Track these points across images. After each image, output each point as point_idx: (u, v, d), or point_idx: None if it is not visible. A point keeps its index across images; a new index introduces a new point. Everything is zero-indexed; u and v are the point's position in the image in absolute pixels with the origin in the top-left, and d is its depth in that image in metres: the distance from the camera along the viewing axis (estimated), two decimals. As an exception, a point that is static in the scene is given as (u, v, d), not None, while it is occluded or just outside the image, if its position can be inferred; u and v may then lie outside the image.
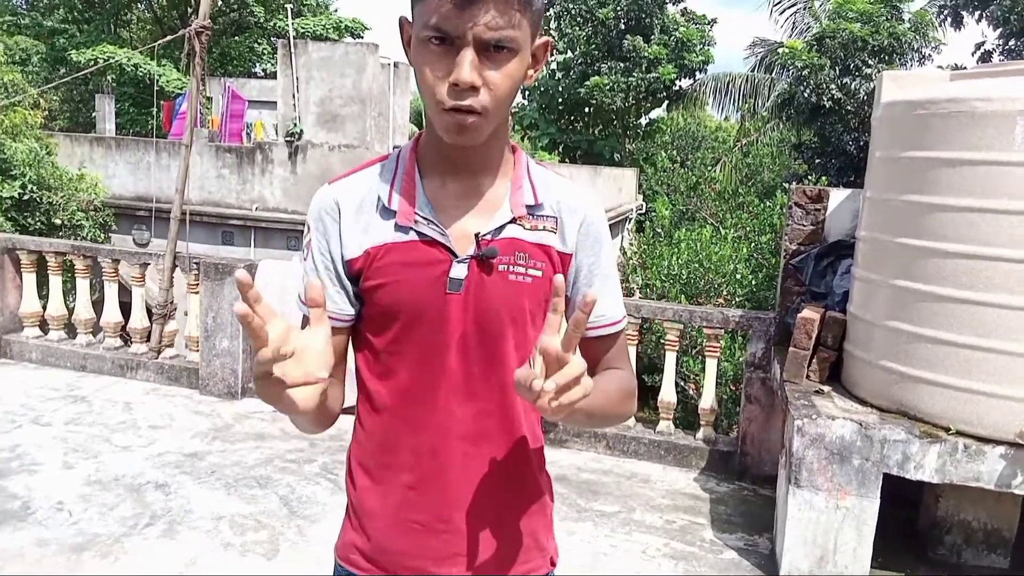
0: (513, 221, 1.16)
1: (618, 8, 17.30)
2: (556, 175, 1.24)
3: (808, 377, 3.72)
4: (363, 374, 1.21)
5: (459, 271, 1.12)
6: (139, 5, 21.96)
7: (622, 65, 17.32)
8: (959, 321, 3.05)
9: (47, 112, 14.47)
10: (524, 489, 1.25)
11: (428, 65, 1.03)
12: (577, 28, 17.64)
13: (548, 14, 17.14)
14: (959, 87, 3.19)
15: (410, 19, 1.08)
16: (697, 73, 18.09)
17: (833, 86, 11.14)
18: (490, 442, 1.19)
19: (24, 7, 21.10)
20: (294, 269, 5.44)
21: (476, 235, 1.13)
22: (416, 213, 1.13)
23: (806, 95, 11.38)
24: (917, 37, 11.40)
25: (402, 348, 1.16)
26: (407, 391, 1.17)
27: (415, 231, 1.13)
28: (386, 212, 1.15)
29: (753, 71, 18.08)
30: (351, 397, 1.23)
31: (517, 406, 1.20)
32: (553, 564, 1.31)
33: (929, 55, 11.81)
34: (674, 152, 19.56)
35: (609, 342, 1.27)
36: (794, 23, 17.48)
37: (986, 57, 12.13)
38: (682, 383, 8.17)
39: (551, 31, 17.67)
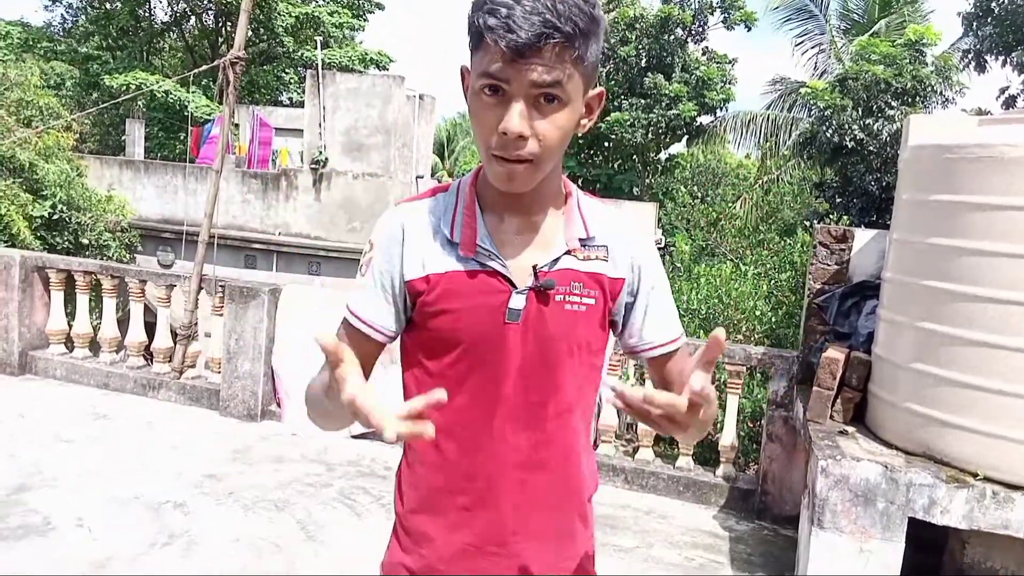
0: (568, 253, 1.20)
1: (640, 46, 17.51)
2: (604, 206, 1.29)
3: (832, 417, 3.68)
4: (414, 397, 1.24)
5: (518, 301, 1.16)
6: (171, 34, 22.49)
7: (643, 102, 17.46)
8: (987, 366, 3.02)
9: (78, 135, 14.79)
10: (576, 515, 1.27)
11: (480, 113, 1.07)
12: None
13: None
14: (988, 132, 3.20)
15: (470, 68, 1.11)
16: (717, 111, 18.20)
17: (855, 127, 11.16)
18: (545, 468, 1.21)
19: (61, 34, 21.67)
20: (319, 295, 5.50)
21: (534, 267, 1.17)
22: (478, 245, 1.17)
23: (828, 135, 11.39)
24: (940, 80, 11.42)
25: (459, 374, 1.18)
26: (462, 417, 1.19)
27: (476, 262, 1.17)
28: (448, 242, 1.19)
29: (769, 108, 18.17)
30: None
31: (572, 433, 1.22)
32: None
33: (952, 98, 11.81)
34: (694, 188, 19.60)
35: (676, 354, 1.33)
36: (815, 64, 17.61)
37: (1010, 102, 12.12)
38: (700, 419, 8.09)
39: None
